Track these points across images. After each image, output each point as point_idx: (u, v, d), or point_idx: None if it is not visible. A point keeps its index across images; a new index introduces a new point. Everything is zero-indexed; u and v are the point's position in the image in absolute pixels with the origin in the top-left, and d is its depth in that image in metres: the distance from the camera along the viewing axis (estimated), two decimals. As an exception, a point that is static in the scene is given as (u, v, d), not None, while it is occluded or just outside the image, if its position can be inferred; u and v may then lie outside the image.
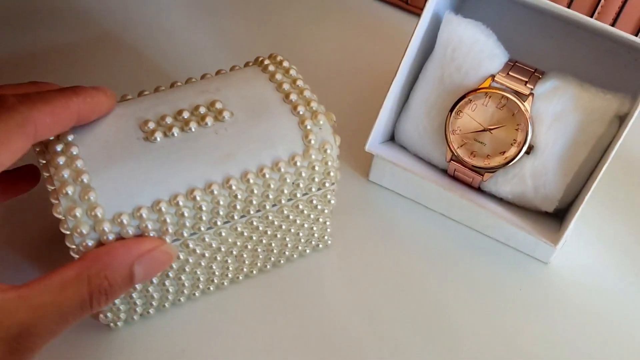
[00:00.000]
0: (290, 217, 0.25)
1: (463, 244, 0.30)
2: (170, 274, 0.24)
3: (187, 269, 0.25)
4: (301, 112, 0.24)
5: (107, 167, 0.21)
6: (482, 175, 0.28)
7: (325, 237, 0.28)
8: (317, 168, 0.24)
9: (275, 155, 0.23)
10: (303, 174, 0.24)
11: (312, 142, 0.23)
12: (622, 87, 0.27)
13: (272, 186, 0.23)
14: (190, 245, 0.24)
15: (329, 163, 0.24)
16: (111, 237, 0.21)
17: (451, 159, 0.28)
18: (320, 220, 0.27)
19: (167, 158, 0.22)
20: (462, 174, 0.28)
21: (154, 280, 0.24)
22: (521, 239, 0.29)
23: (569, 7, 0.36)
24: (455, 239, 0.30)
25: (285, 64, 0.25)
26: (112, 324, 0.25)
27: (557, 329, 0.27)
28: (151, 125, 0.22)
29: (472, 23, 0.28)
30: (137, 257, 0.21)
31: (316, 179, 0.24)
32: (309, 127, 0.23)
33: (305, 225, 0.26)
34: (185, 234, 0.23)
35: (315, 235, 0.28)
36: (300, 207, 0.25)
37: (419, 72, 0.30)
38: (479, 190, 0.29)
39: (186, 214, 0.22)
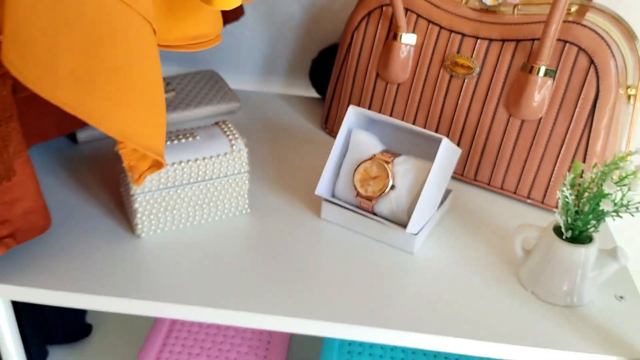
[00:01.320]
0: (226, 187, 0.56)
1: (366, 247, 0.56)
2: (169, 207, 0.55)
3: (177, 207, 0.55)
4: (229, 137, 0.55)
5: None
6: (372, 201, 0.55)
7: (246, 206, 0.59)
8: (236, 160, 0.55)
9: (217, 152, 0.54)
10: (230, 162, 0.55)
11: (234, 147, 0.55)
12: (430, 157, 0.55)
13: (215, 166, 0.54)
14: (179, 191, 0.55)
15: (242, 159, 0.56)
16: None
17: (357, 195, 0.56)
18: (241, 194, 0.57)
19: (172, 149, 0.53)
20: (364, 203, 0.56)
21: (162, 209, 0.54)
22: (398, 238, 0.55)
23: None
24: (362, 244, 0.57)
25: (229, 123, 0.58)
26: (140, 234, 0.55)
27: (412, 292, 0.53)
28: (167, 141, 0.54)
29: (366, 133, 0.58)
30: None
31: (236, 166, 0.55)
32: (232, 143, 0.55)
33: (234, 195, 0.57)
34: (176, 184, 0.54)
35: (240, 203, 0.58)
36: (230, 181, 0.56)
37: (343, 157, 0.59)
38: (374, 213, 0.56)
39: (178, 173, 0.53)
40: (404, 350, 0.68)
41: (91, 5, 0.33)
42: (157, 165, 0.45)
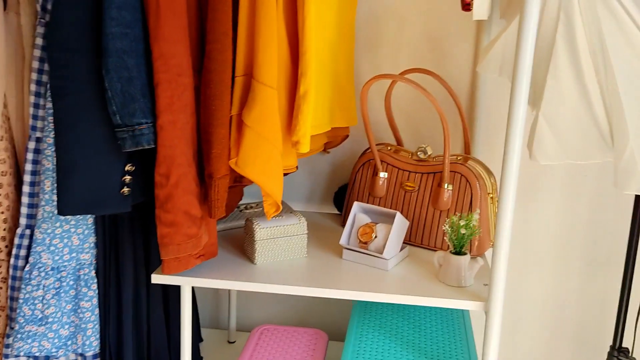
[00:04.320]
0: (296, 241, 1.14)
1: (365, 268, 1.12)
2: (271, 249, 1.11)
3: (274, 250, 1.12)
4: (298, 216, 1.13)
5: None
6: (366, 244, 1.12)
7: (305, 252, 1.14)
8: (300, 227, 1.19)
9: (293, 222, 1.17)
10: (298, 227, 1.14)
11: (300, 220, 1.15)
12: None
13: (291, 228, 1.14)
14: (276, 241, 1.11)
15: (303, 226, 1.14)
16: None
17: (359, 242, 1.13)
18: (303, 245, 1.14)
19: (274, 220, 1.12)
20: (362, 246, 1.13)
21: (267, 250, 1.11)
22: (380, 262, 1.11)
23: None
24: (362, 268, 1.13)
25: (297, 211, 1.15)
26: (256, 263, 1.10)
27: (387, 283, 1.08)
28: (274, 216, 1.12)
29: (362, 214, 1.17)
30: None
31: (301, 230, 1.14)
32: (299, 219, 1.13)
33: (300, 245, 1.14)
34: (274, 236, 1.11)
35: (302, 250, 1.15)
36: (298, 238, 1.14)
37: (352, 227, 1.17)
38: (368, 250, 1.13)
39: (275, 231, 1.10)
40: (390, 307, 1.20)
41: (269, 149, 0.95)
42: (277, 210, 1.03)
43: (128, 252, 1.10)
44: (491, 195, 1.20)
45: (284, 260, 1.14)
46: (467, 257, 1.06)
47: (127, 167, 0.94)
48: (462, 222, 1.04)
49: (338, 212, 1.43)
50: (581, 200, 1.38)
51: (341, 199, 1.41)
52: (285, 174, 1.38)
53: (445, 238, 1.07)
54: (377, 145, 1.33)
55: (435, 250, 1.21)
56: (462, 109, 1.24)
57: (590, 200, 1.38)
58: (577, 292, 1.43)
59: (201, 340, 1.47)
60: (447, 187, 1.19)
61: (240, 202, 1.44)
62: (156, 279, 1.05)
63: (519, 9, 1.05)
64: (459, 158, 1.23)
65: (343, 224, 1.34)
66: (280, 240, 1.13)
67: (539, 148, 1.05)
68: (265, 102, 0.94)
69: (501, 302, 0.98)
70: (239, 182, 1.10)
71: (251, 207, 1.38)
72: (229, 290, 1.51)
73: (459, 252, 1.06)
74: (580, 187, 1.37)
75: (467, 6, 1.06)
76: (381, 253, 1.11)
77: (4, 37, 0.98)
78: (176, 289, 1.27)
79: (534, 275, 1.44)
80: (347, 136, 1.37)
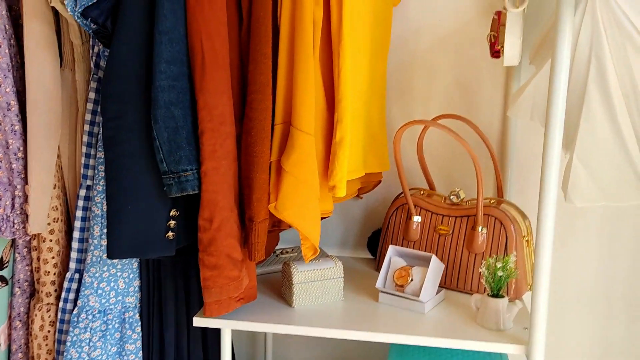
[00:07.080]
0: (332, 284, 1.13)
1: (401, 312, 1.10)
2: (307, 292, 1.10)
3: (310, 293, 1.10)
4: (334, 260, 1.12)
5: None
6: (403, 287, 1.11)
7: (342, 296, 1.12)
8: (337, 270, 1.14)
9: (329, 265, 1.13)
10: (334, 270, 1.16)
11: (337, 264, 1.12)
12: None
13: (327, 272, 1.17)
14: (313, 284, 1.09)
15: (339, 269, 1.12)
16: None
17: (395, 286, 1.12)
18: (339, 288, 1.13)
19: (310, 264, 1.11)
20: (399, 289, 1.11)
21: (304, 293, 1.09)
22: (416, 305, 1.09)
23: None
24: (398, 311, 1.11)
25: (334, 256, 1.14)
26: (294, 306, 1.09)
27: (423, 327, 1.06)
28: (311, 260, 1.12)
29: (398, 257, 1.16)
30: None
31: (337, 273, 1.17)
32: (335, 262, 1.11)
33: (336, 288, 1.13)
34: (311, 280, 1.09)
35: (339, 293, 1.13)
36: (334, 282, 1.12)
37: (387, 271, 1.16)
38: (404, 293, 1.11)
39: (311, 274, 1.09)
40: (426, 351, 1.16)
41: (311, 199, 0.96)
42: (315, 253, 1.03)
43: (170, 295, 1.11)
44: (526, 239, 1.18)
45: (321, 304, 1.13)
46: (505, 300, 1.03)
47: (172, 213, 0.95)
48: (498, 264, 1.02)
49: (372, 257, 1.42)
50: (621, 242, 1.34)
51: (375, 244, 1.40)
52: (321, 218, 1.38)
53: (481, 280, 1.05)
54: (410, 190, 1.33)
55: (471, 294, 1.18)
56: (493, 153, 1.23)
57: (630, 241, 1.34)
58: (621, 337, 1.37)
59: (238, 384, 1.45)
60: (482, 230, 1.18)
61: (277, 247, 1.45)
62: (197, 321, 1.05)
63: (548, 54, 1.06)
64: (492, 201, 1.22)
65: (377, 268, 1.32)
66: (318, 283, 1.13)
67: (575, 190, 1.03)
68: (303, 148, 0.95)
69: (543, 346, 0.95)
70: (277, 226, 1.11)
71: (287, 252, 1.38)
72: (265, 333, 1.49)
73: (496, 295, 1.03)
74: (619, 229, 1.34)
75: (496, 53, 1.07)
76: (418, 296, 1.09)
77: (60, 91, 1.03)
78: (215, 332, 1.26)
79: (574, 320, 1.38)
80: (380, 181, 1.38)
